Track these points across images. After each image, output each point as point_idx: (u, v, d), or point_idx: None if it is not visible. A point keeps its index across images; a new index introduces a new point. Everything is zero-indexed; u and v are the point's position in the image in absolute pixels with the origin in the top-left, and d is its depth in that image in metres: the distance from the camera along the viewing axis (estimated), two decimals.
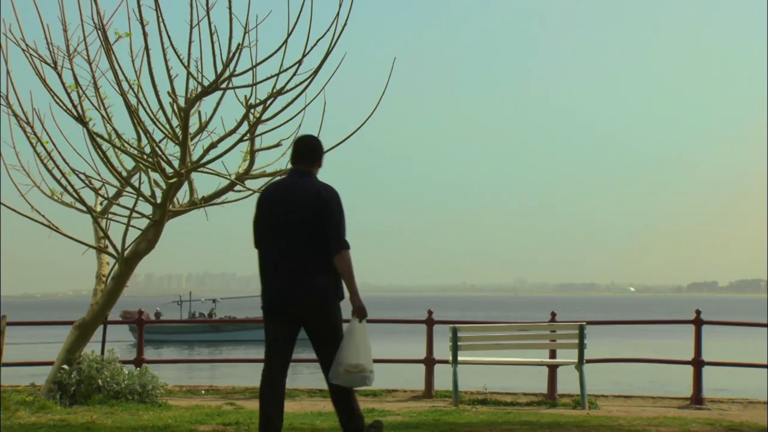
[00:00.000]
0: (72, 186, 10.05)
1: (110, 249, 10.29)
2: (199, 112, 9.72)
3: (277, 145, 10.21)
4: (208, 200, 10.23)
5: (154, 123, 9.46)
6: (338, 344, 6.07)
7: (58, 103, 9.47)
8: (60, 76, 9.29)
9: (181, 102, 9.34)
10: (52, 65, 9.27)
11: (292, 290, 6.05)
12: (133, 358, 11.90)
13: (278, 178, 6.52)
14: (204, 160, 9.71)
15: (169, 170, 9.62)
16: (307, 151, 6.40)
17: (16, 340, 26.18)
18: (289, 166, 6.51)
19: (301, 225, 6.06)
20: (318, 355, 6.21)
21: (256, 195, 10.29)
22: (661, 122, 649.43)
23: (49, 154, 9.86)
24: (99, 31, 8.94)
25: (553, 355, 12.11)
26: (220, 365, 26.88)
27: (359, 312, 6.10)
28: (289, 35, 8.94)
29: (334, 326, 6.14)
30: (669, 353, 16.10)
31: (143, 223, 10.14)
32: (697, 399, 11.40)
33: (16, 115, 9.74)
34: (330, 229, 6.04)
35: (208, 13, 8.75)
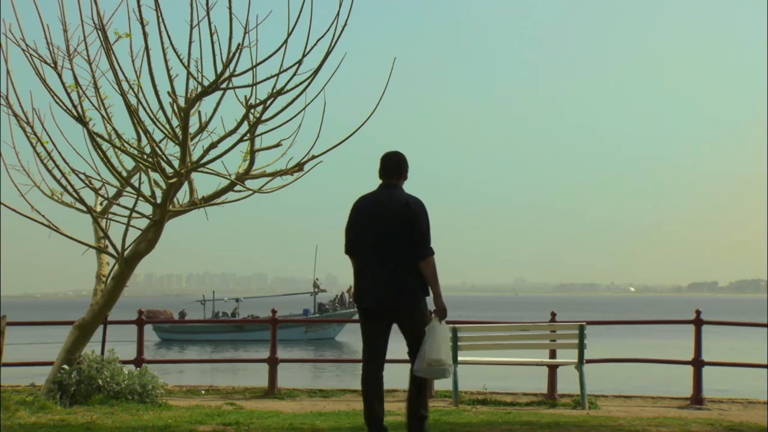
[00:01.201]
0: (72, 186, 10.04)
1: (110, 249, 10.29)
2: (199, 112, 9.71)
3: (277, 145, 10.20)
4: (208, 200, 10.22)
5: (154, 123, 9.45)
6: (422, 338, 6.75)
7: (58, 103, 9.46)
8: (60, 76, 9.27)
9: (181, 102, 9.33)
10: (52, 65, 9.25)
11: (387, 292, 6.75)
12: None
13: (369, 192, 7.13)
14: (204, 160, 9.70)
15: (169, 170, 9.61)
16: (394, 166, 7.03)
17: (16, 340, 26.16)
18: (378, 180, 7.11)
19: (392, 233, 6.75)
20: (409, 348, 6.89)
21: (257, 195, 10.36)
22: (662, 123, 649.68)
23: (49, 154, 9.86)
24: (99, 31, 8.92)
25: (553, 355, 12.11)
26: (240, 365, 26.78)
27: (441, 312, 6.81)
28: (289, 35, 8.93)
29: (420, 322, 6.81)
30: (669, 353, 16.09)
31: (143, 223, 10.13)
32: (697, 399, 11.39)
33: (16, 115, 9.73)
34: (418, 237, 6.74)
35: (208, 13, 8.74)
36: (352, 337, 43.02)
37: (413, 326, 6.81)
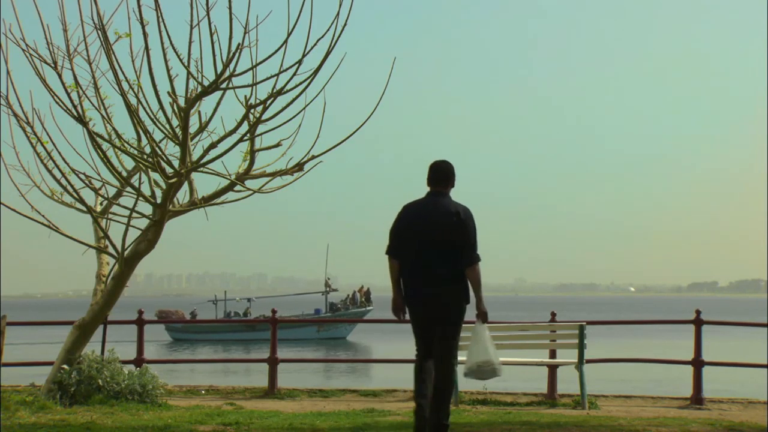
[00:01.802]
0: (72, 186, 10.04)
1: (110, 249, 10.29)
2: (199, 112, 9.71)
3: (277, 145, 10.20)
4: (208, 200, 10.22)
5: (154, 123, 9.46)
6: (453, 340, 7.06)
7: (58, 103, 9.47)
8: (60, 76, 9.28)
9: (181, 102, 9.34)
10: (52, 65, 9.26)
11: (431, 293, 7.02)
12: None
13: (417, 198, 7.33)
14: (204, 160, 9.71)
15: (169, 170, 9.62)
16: (444, 175, 7.27)
17: (16, 340, 26.16)
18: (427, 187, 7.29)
19: (440, 240, 7.02)
20: (435, 348, 7.09)
21: (257, 195, 10.36)
22: (661, 123, 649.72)
23: (49, 154, 9.86)
24: (99, 31, 8.93)
25: (553, 355, 12.11)
26: (245, 365, 26.72)
27: (483, 316, 7.16)
28: (289, 35, 8.94)
29: (456, 325, 7.10)
30: (669, 353, 16.08)
31: (143, 223, 10.14)
32: (697, 399, 11.39)
33: (16, 115, 9.73)
34: (465, 245, 7.04)
35: (208, 13, 8.75)
36: (363, 337, 43.02)
37: (451, 327, 7.07)
